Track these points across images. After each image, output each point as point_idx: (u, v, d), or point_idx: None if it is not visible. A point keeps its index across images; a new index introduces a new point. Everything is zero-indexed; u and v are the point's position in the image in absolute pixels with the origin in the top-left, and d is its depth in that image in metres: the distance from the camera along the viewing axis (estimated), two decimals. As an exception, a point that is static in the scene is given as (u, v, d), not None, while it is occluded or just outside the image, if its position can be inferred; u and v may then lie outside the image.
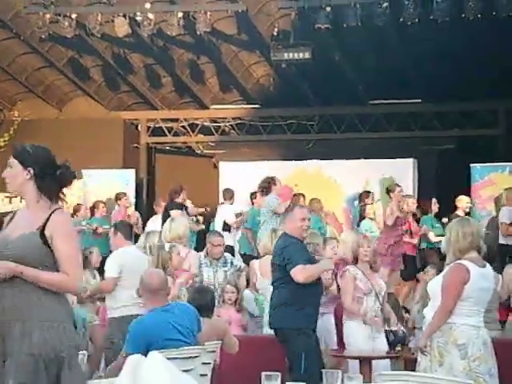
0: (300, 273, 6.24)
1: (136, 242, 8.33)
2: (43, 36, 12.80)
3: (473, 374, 4.87)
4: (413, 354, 5.38)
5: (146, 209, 15.39)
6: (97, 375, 6.40)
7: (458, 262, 5.11)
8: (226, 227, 12.27)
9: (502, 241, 10.85)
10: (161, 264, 7.09)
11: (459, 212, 11.59)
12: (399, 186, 11.31)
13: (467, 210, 11.87)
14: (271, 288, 7.46)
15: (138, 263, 7.36)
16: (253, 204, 12.33)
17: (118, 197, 13.52)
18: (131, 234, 7.83)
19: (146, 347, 4.97)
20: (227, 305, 7.89)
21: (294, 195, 12.29)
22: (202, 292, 6.58)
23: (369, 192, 12.63)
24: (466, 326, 5.03)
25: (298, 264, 6.25)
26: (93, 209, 13.37)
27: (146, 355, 2.83)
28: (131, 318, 7.17)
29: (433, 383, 3.99)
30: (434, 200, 12.24)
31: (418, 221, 12.05)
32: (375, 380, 4.44)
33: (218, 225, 12.55)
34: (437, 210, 12.16)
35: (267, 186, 10.32)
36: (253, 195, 12.40)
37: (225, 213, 12.65)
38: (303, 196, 12.17)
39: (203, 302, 6.32)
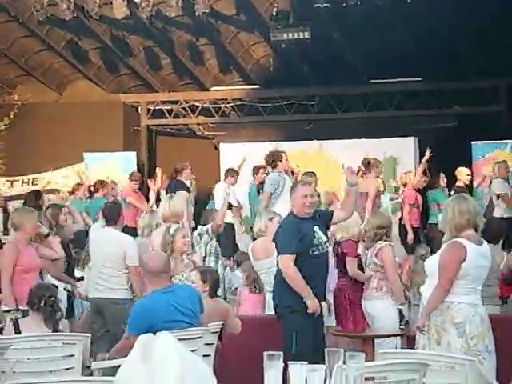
0: (285, 268, 6.16)
1: None
2: (41, 19, 12.74)
3: (471, 352, 4.84)
4: (413, 332, 5.38)
5: (147, 191, 15.38)
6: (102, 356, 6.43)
7: (455, 240, 5.08)
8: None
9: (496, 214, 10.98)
10: (163, 247, 7.09)
11: (460, 183, 11.69)
12: (380, 164, 11.28)
13: (467, 182, 11.93)
14: (263, 270, 7.51)
15: (99, 247, 7.42)
16: (254, 179, 12.26)
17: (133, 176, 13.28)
18: (113, 218, 7.71)
19: (148, 329, 4.99)
20: (245, 286, 7.99)
21: (305, 173, 12.19)
22: (205, 273, 6.60)
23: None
24: (464, 305, 5.00)
25: (285, 254, 6.20)
26: (96, 189, 13.15)
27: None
28: (91, 300, 7.49)
29: (433, 360, 4.01)
30: (442, 174, 12.25)
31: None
32: (377, 358, 4.46)
33: (217, 204, 12.51)
34: (445, 185, 12.17)
35: (273, 161, 10.20)
36: (254, 170, 12.35)
37: (218, 191, 12.60)
38: (314, 174, 12.09)
39: (207, 282, 6.35)
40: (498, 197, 11.22)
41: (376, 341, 6.53)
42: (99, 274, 7.36)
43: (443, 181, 12.20)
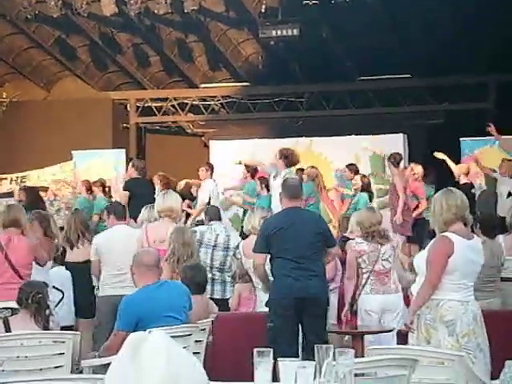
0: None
1: None
2: (29, 16, 12.71)
3: (462, 350, 4.72)
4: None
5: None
6: (92, 354, 6.43)
7: (442, 234, 5.00)
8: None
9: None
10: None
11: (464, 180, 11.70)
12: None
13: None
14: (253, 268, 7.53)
15: (115, 244, 7.39)
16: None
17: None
18: (123, 214, 7.84)
19: (136, 324, 5.00)
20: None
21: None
22: (194, 269, 6.58)
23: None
24: (454, 302, 4.91)
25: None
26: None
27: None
28: (106, 298, 7.34)
29: (422, 356, 4.01)
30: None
31: None
32: (367, 354, 4.46)
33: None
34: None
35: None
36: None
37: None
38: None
39: (196, 279, 6.35)
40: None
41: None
42: (116, 272, 7.35)
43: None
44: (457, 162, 13.13)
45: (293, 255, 6.20)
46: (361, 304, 7.00)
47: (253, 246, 6.48)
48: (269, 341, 5.79)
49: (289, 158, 9.74)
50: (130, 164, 11.14)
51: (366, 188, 11.55)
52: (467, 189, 10.94)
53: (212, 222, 8.33)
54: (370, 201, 11.44)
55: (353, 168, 12.06)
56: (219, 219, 8.56)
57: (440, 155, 12.05)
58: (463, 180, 11.84)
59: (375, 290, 7.03)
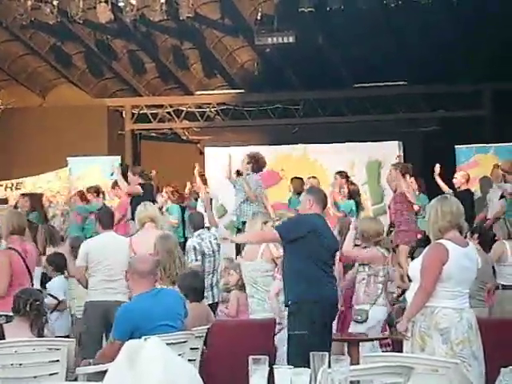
0: None
1: None
2: (25, 23, 12.72)
3: (456, 358, 4.66)
4: (398, 335, 5.35)
5: (131, 196, 15.32)
6: (86, 362, 6.42)
7: (437, 241, 4.98)
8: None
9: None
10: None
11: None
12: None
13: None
14: (249, 271, 7.52)
15: (106, 251, 7.40)
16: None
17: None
18: (110, 222, 7.82)
19: (132, 332, 4.99)
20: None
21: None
22: (192, 276, 6.57)
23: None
24: (449, 310, 4.87)
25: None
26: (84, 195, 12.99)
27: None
28: (95, 303, 7.31)
29: (418, 364, 4.00)
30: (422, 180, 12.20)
31: None
32: (362, 362, 4.45)
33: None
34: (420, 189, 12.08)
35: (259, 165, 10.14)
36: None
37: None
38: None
39: (194, 285, 6.34)
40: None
41: None
42: (106, 278, 7.35)
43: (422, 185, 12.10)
44: (452, 169, 13.16)
45: (324, 261, 6.24)
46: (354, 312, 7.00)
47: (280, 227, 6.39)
48: (300, 348, 5.71)
49: (257, 162, 9.81)
50: (130, 173, 11.11)
51: (352, 195, 11.55)
52: (467, 196, 10.94)
53: (199, 232, 8.38)
54: (357, 208, 11.46)
55: (343, 174, 12.08)
56: (203, 227, 8.57)
57: (437, 169, 11.97)
58: (463, 187, 11.81)
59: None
